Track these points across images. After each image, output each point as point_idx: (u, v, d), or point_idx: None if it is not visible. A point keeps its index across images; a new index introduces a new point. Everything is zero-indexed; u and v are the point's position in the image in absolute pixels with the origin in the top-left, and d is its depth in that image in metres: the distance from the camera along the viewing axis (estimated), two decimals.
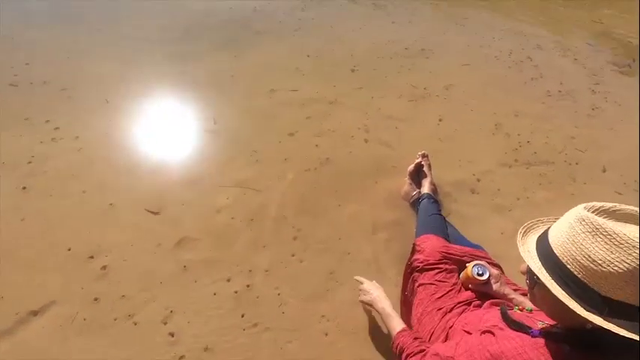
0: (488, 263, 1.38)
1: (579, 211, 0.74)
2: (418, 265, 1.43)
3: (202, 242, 1.65)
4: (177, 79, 2.54)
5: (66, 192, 1.79)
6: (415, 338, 1.14)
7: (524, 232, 0.88)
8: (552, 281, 0.75)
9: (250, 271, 1.56)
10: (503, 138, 2.28)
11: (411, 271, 1.47)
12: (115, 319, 1.39)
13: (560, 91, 2.73)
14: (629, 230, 0.68)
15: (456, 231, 1.70)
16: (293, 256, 1.62)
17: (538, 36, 3.40)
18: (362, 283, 1.42)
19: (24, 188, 1.79)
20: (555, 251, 0.75)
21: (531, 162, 2.14)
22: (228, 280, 1.53)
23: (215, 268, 1.56)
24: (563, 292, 0.73)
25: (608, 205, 0.73)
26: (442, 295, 1.33)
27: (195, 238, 1.66)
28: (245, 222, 1.73)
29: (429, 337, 1.26)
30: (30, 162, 1.90)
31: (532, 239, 0.85)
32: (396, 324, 1.20)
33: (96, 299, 1.44)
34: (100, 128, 2.13)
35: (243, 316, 1.43)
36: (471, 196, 1.93)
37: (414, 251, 1.50)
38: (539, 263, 0.78)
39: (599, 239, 0.69)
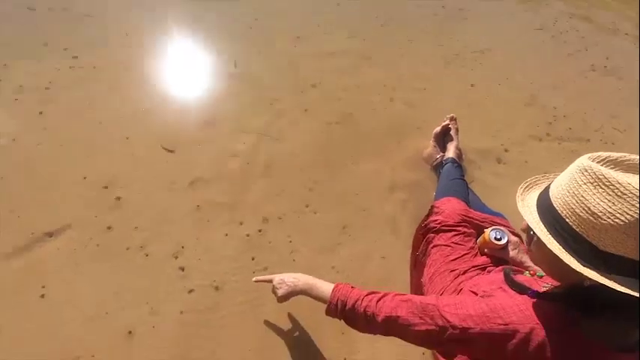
0: (508, 231, 1.33)
1: (583, 161, 0.69)
2: (435, 225, 1.38)
3: (216, 184, 1.62)
4: (200, 19, 2.42)
5: (82, 121, 1.76)
6: (354, 287, 1.02)
7: (527, 187, 0.84)
8: (549, 235, 0.72)
9: (263, 217, 1.54)
10: (538, 110, 2.15)
11: (424, 233, 1.43)
12: (127, 249, 1.40)
13: (605, 67, 2.53)
14: (634, 180, 0.62)
15: (477, 198, 1.64)
16: (307, 206, 1.59)
17: (589, 6, 3.13)
18: (270, 281, 1.17)
19: (40, 113, 1.76)
20: (554, 204, 0.72)
21: (564, 137, 2.02)
22: (241, 224, 1.51)
23: (228, 211, 1.55)
24: (560, 246, 0.70)
25: (615, 154, 0.67)
26: (457, 258, 1.29)
27: (210, 179, 1.63)
28: (260, 169, 1.69)
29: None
30: (47, 88, 1.86)
31: (533, 195, 0.81)
32: (328, 285, 1.05)
33: (109, 228, 1.44)
34: (119, 61, 2.06)
35: (253, 259, 1.43)
36: (497, 165, 1.84)
37: (430, 213, 1.45)
38: (537, 217, 0.75)
39: (600, 190, 0.64)
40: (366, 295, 0.98)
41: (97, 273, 1.34)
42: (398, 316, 0.91)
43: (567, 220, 0.69)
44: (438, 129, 1.81)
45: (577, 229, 0.68)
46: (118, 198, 1.52)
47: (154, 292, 1.32)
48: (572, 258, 0.68)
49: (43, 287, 1.29)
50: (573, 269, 0.68)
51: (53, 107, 1.80)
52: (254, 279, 1.24)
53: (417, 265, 1.45)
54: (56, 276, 1.32)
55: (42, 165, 1.60)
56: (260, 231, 1.50)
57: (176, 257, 1.40)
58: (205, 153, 1.72)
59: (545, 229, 0.73)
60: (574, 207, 0.68)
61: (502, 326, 0.80)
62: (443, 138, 1.82)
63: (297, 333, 1.27)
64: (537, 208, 0.77)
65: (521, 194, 0.83)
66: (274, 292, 1.17)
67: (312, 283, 1.09)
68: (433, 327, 0.87)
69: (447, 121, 1.81)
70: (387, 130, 1.91)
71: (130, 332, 1.23)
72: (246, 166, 1.69)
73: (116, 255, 1.38)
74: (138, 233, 1.44)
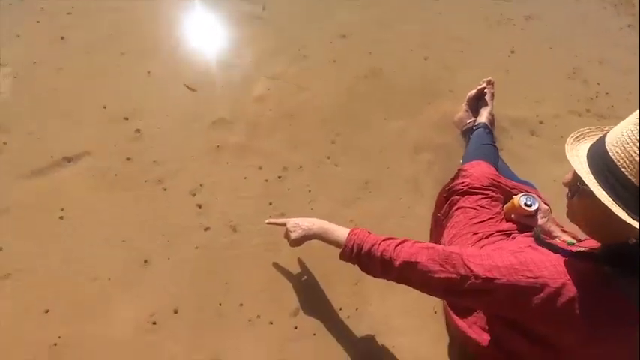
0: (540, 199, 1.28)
1: None
2: (461, 187, 1.32)
3: (238, 127, 1.57)
4: None
5: (104, 50, 1.69)
6: (371, 232, 0.98)
7: (577, 137, 0.80)
8: (598, 186, 0.68)
9: (283, 164, 1.49)
10: (580, 84, 2.01)
11: (449, 195, 1.38)
12: (146, 181, 1.39)
13: None
14: None
15: (506, 167, 1.57)
16: (328, 158, 1.54)
17: None
18: (284, 225, 1.15)
19: (62, 38, 1.70)
20: (610, 152, 0.68)
21: (605, 115, 1.90)
22: (260, 169, 1.48)
23: (248, 155, 1.51)
24: (609, 197, 0.66)
25: None
26: (481, 221, 1.25)
27: (232, 122, 1.58)
28: (283, 116, 1.63)
29: None
30: (69, 13, 1.78)
31: (584, 147, 0.77)
32: (344, 230, 1.02)
33: (128, 159, 1.42)
34: None
35: (271, 204, 1.40)
36: (530, 137, 1.75)
37: (457, 176, 1.39)
38: (587, 167, 0.71)
39: None
40: (384, 240, 0.95)
41: (115, 201, 1.34)
42: (417, 262, 0.88)
43: (623, 169, 0.65)
44: (472, 92, 1.71)
45: (632, 179, 0.64)
46: (138, 130, 1.49)
47: (171, 226, 1.31)
48: (621, 210, 0.65)
49: (62, 210, 1.29)
50: (617, 225, 0.65)
51: (75, 33, 1.73)
52: (267, 220, 1.22)
53: (437, 227, 1.42)
54: (75, 200, 1.31)
55: (62, 90, 1.56)
56: (279, 178, 1.46)
57: (194, 195, 1.38)
58: (228, 95, 1.66)
59: (595, 180, 0.69)
60: (634, 156, 0.64)
61: (531, 279, 0.77)
62: (476, 102, 1.72)
63: (308, 280, 1.27)
64: (588, 159, 0.73)
65: (571, 144, 0.79)
66: (287, 236, 1.15)
67: (327, 227, 1.07)
68: (454, 275, 0.84)
69: (484, 85, 1.71)
70: (418, 90, 1.81)
71: (145, 261, 1.24)
72: (268, 112, 1.63)
73: (134, 186, 1.37)
74: (156, 167, 1.42)
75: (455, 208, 1.33)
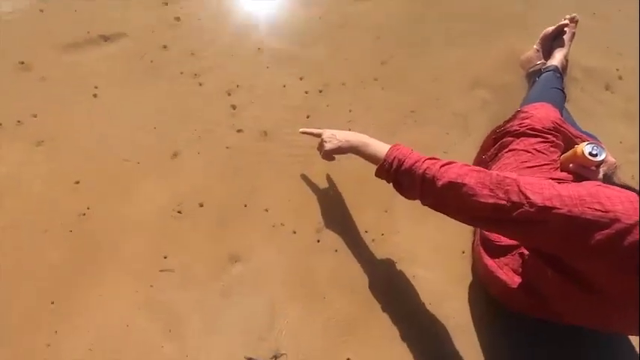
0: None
1: None
2: (518, 128, 1.19)
3: (283, 32, 1.44)
4: None
5: None
6: (414, 151, 0.89)
7: None
8: None
9: (326, 77, 1.38)
10: None
11: (499, 136, 1.26)
12: (181, 73, 1.32)
13: None
14: None
15: (570, 117, 1.41)
16: (376, 80, 1.42)
17: None
18: (319, 135, 1.07)
19: None
20: None
21: None
22: (301, 79, 1.38)
23: (290, 63, 1.40)
24: None
25: None
26: (534, 166, 1.13)
27: (277, 26, 1.45)
28: (333, 27, 1.48)
29: None
30: None
31: None
32: (384, 145, 0.94)
33: (165, 47, 1.34)
34: None
35: (308, 117, 1.32)
36: (603, 92, 1.55)
37: (514, 117, 1.25)
38: None
39: None
40: (429, 159, 0.86)
41: (149, 87, 1.28)
42: (463, 184, 0.79)
43: None
44: (549, 29, 1.48)
45: None
46: (178, 18, 1.39)
47: (203, 121, 1.26)
48: None
49: (96, 88, 1.25)
50: None
51: None
52: (302, 130, 1.13)
53: (480, 167, 1.32)
54: (109, 80, 1.27)
55: None
56: (320, 91, 1.36)
57: (229, 94, 1.31)
58: None
59: None
60: None
61: (599, 212, 0.67)
62: (551, 43, 1.50)
63: (336, 197, 1.22)
64: None
65: None
66: (320, 148, 1.06)
67: (366, 140, 0.98)
68: (503, 202, 0.75)
69: (566, 21, 1.49)
70: (487, 21, 1.60)
71: (175, 152, 1.21)
72: (317, 19, 1.48)
73: (169, 76, 1.31)
74: (194, 60, 1.34)
75: (506, 150, 1.21)
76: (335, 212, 1.21)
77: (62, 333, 0.96)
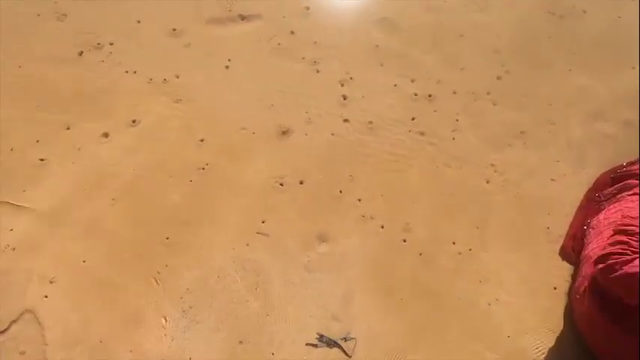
0: None
1: None
2: None
3: (403, 33, 1.47)
4: None
5: None
6: None
7: None
8: None
9: (437, 83, 1.39)
10: None
11: (619, 177, 1.18)
12: (303, 59, 1.41)
13: None
14: None
15: None
16: (488, 94, 1.39)
17: None
18: None
19: None
20: None
21: None
22: (413, 81, 1.40)
23: (404, 63, 1.42)
24: None
25: None
26: None
27: (397, 25, 1.48)
28: (453, 35, 1.47)
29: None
30: None
31: None
32: None
33: (292, 32, 1.45)
34: None
35: (413, 119, 1.34)
36: None
37: None
38: None
39: None
40: None
41: (273, 67, 1.40)
42: None
43: None
44: None
45: None
46: (307, 8, 1.49)
47: (315, 106, 1.34)
48: None
49: (229, 60, 1.39)
50: None
51: None
52: None
53: (590, 206, 1.23)
54: (240, 55, 1.41)
55: None
56: (429, 96, 1.37)
57: (342, 85, 1.38)
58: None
59: None
60: None
61: None
62: None
63: (429, 202, 1.21)
64: None
65: None
66: None
67: None
68: None
69: None
70: (622, 47, 1.47)
71: (286, 130, 1.30)
72: (439, 25, 1.49)
73: (292, 59, 1.41)
74: (315, 48, 1.43)
75: (629, 192, 1.13)
76: (425, 217, 1.21)
77: (171, 267, 1.11)
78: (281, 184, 1.23)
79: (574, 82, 1.41)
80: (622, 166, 1.23)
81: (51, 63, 1.35)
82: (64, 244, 1.12)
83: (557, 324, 1.10)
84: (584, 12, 1.52)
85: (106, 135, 1.26)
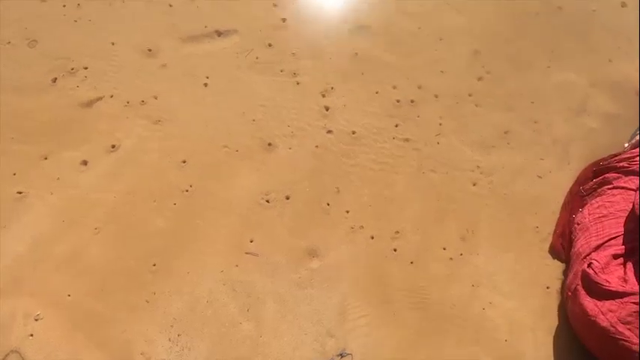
0: None
1: None
2: (627, 165, 1.11)
3: (381, 39, 1.47)
4: None
5: None
6: None
7: None
8: None
9: (419, 88, 1.39)
10: None
11: (600, 171, 1.18)
12: (282, 71, 1.39)
13: None
14: None
15: None
16: (470, 95, 1.39)
17: None
18: None
19: None
20: None
21: None
22: (394, 88, 1.39)
23: (385, 71, 1.42)
24: None
25: None
26: None
27: (375, 32, 1.48)
28: (431, 37, 1.48)
29: (606, 239, 1.04)
30: None
31: None
32: None
33: (270, 45, 1.43)
34: None
35: (397, 126, 1.33)
36: None
37: (623, 153, 1.17)
38: None
39: None
40: None
41: (252, 82, 1.38)
42: None
43: None
44: None
45: None
46: (284, 19, 1.47)
47: (297, 119, 1.33)
48: None
49: (207, 77, 1.37)
50: None
51: None
52: None
53: (574, 201, 1.24)
54: (219, 71, 1.38)
55: None
56: (412, 102, 1.37)
57: (323, 95, 1.37)
58: (378, 5, 1.53)
59: None
60: None
61: None
62: None
63: (418, 211, 1.21)
64: None
65: None
66: None
67: None
68: None
69: None
70: (600, 42, 1.49)
71: (269, 144, 1.29)
72: (417, 29, 1.48)
73: (271, 72, 1.39)
74: (294, 60, 1.41)
75: (610, 186, 1.13)
76: (415, 224, 1.20)
77: (159, 295, 1.08)
78: (267, 201, 1.21)
79: (554, 79, 1.42)
80: (604, 159, 1.24)
81: (24, 92, 1.31)
82: (47, 279, 1.08)
83: (552, 323, 1.11)
84: (560, 8, 1.53)
85: (85, 163, 1.22)
